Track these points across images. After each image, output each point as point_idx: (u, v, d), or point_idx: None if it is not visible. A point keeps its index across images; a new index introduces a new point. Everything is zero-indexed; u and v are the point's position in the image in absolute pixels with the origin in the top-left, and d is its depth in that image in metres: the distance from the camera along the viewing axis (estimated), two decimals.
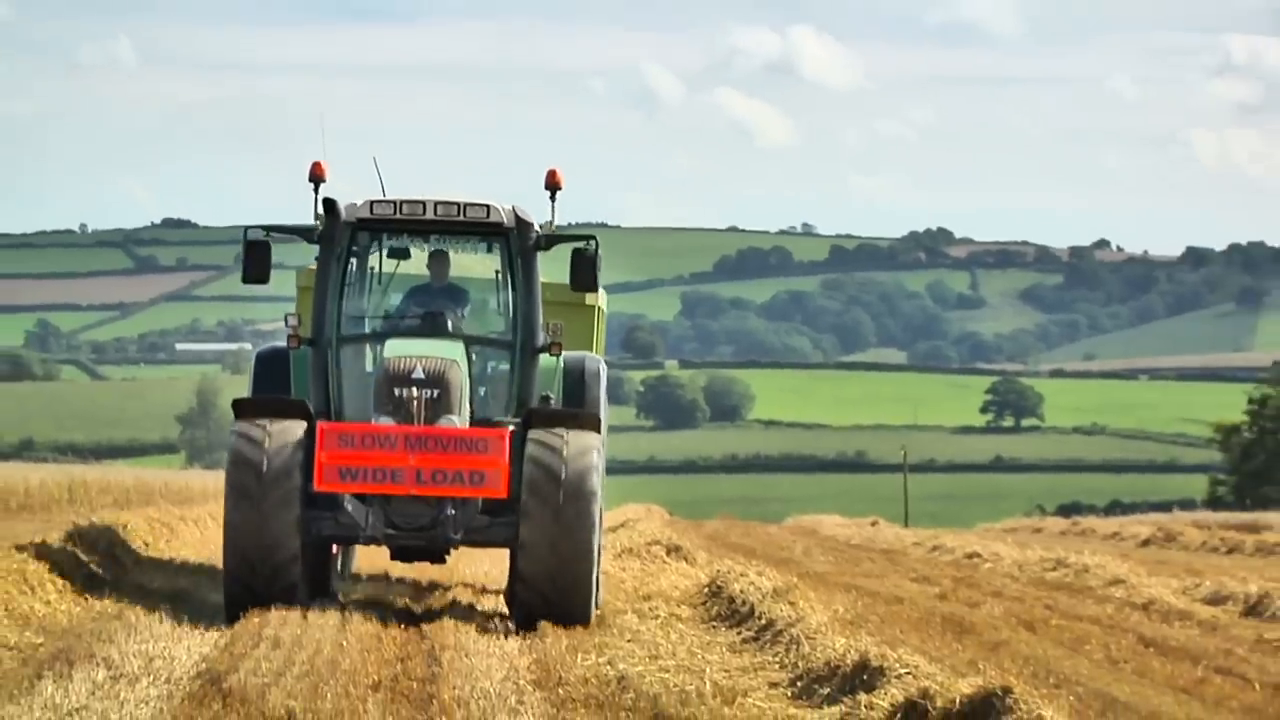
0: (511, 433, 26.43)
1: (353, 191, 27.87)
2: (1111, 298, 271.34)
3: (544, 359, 27.78)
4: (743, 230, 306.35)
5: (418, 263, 28.77)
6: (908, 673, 19.45)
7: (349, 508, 26.27)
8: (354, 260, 27.89)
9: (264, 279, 27.00)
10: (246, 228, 26.93)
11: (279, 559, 25.89)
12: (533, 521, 25.97)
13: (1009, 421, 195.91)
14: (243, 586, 25.87)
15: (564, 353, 27.90)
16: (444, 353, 26.82)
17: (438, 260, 28.33)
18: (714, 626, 27.11)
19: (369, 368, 27.46)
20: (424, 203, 27.26)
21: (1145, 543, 57.92)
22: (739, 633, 26.23)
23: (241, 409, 26.67)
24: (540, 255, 28.09)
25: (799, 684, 21.36)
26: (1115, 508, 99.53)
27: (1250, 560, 48.91)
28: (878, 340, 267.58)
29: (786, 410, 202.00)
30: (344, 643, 23.17)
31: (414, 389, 26.44)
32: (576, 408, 28.18)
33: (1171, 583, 35.12)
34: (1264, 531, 58.71)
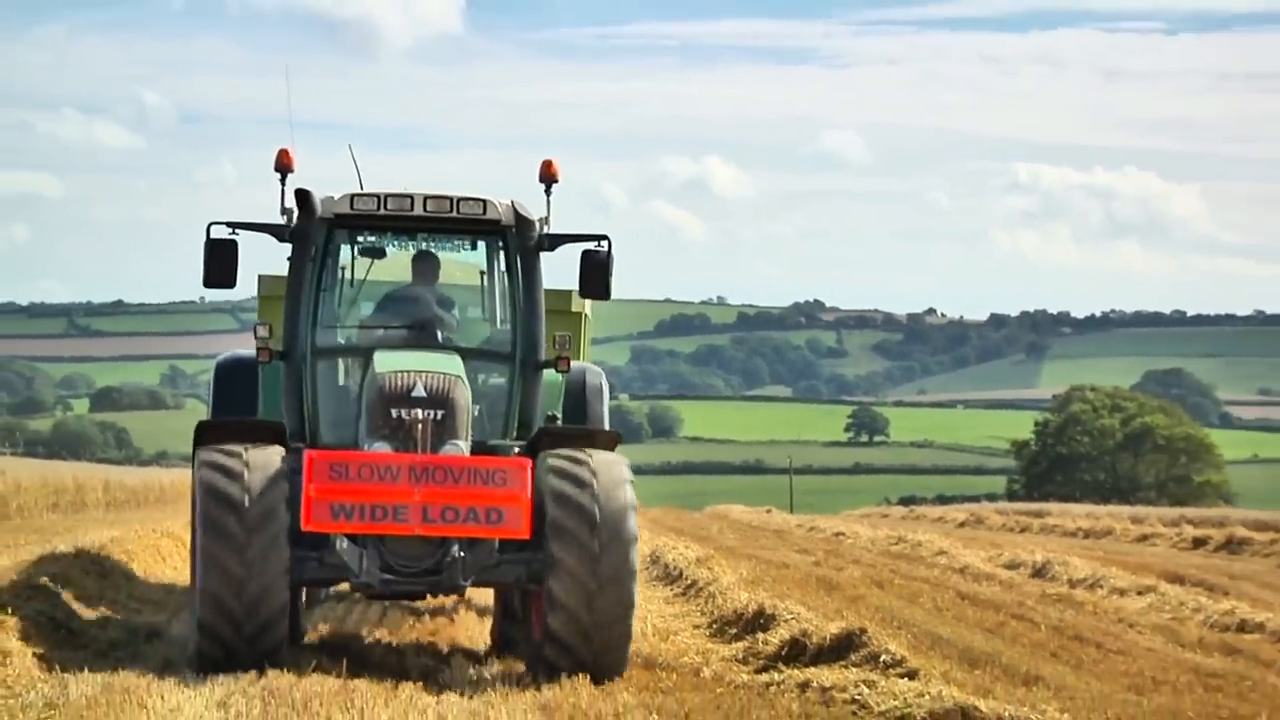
0: (533, 463, 16.03)
1: (323, 186, 17.32)
2: (937, 350, 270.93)
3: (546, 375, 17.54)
4: (674, 301, 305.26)
5: (390, 267, 18.28)
6: (792, 618, 19.40)
7: (340, 548, 15.95)
8: (329, 261, 17.51)
9: (229, 282, 17.03)
10: (210, 224, 16.71)
11: (266, 613, 15.46)
12: (563, 573, 15.72)
13: (865, 438, 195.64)
14: (220, 644, 15.46)
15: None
16: (445, 368, 16.59)
17: (423, 262, 17.73)
18: (653, 584, 26.84)
19: (349, 384, 17.25)
20: (411, 197, 17.11)
21: (961, 524, 57.90)
22: (671, 589, 26.06)
23: (207, 433, 16.22)
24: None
25: (714, 626, 21.27)
26: (940, 500, 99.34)
27: (1036, 537, 48.97)
28: (771, 380, 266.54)
29: (707, 430, 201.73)
30: None
31: (415, 410, 16.26)
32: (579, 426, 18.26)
33: (980, 553, 35.12)
34: (1045, 516, 58.77)
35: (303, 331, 17.10)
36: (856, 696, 15.07)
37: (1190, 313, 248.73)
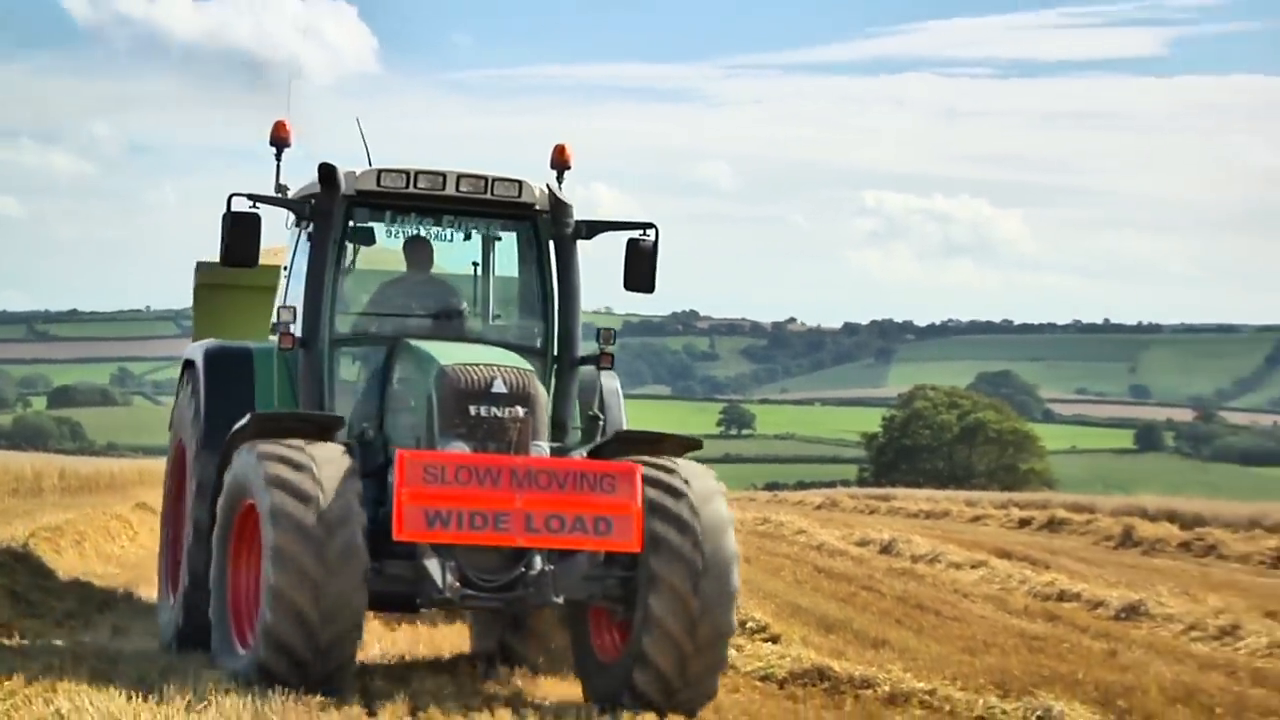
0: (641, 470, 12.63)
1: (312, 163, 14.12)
2: (797, 354, 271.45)
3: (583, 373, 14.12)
4: None
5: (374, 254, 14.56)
6: None
7: (428, 561, 12.33)
8: (347, 243, 14.05)
9: (252, 259, 13.65)
10: (231, 195, 13.39)
11: (343, 623, 12.10)
12: (665, 591, 12.50)
13: (734, 431, 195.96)
14: (288, 655, 11.97)
15: None
16: (515, 362, 13.17)
17: (418, 248, 14.27)
18: None
19: (371, 377, 13.71)
20: (444, 175, 13.76)
21: (818, 507, 58.09)
22: None
23: (263, 424, 12.83)
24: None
25: None
26: (800, 485, 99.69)
27: (883, 518, 49.18)
28: (652, 380, 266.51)
29: None
30: None
31: (494, 408, 12.75)
32: None
33: (835, 532, 35.21)
34: (891, 500, 59.00)
35: (324, 318, 13.58)
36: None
37: (1017, 322, 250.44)
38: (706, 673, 12.65)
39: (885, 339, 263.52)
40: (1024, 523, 45.28)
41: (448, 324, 13.99)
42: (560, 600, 12.52)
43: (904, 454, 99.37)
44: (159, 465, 52.74)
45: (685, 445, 13.32)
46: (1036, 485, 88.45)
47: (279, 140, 14.29)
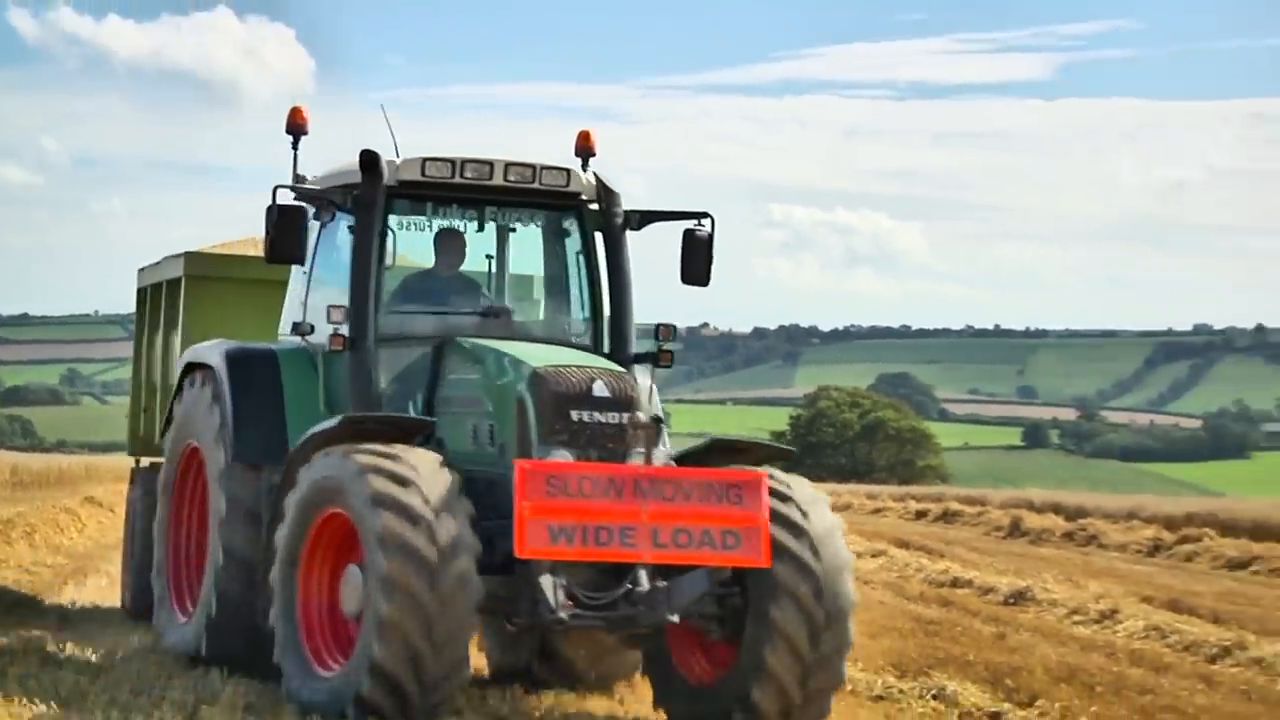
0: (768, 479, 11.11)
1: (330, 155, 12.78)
2: (711, 356, 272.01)
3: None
4: None
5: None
6: None
7: (543, 579, 10.60)
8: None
9: (299, 255, 11.87)
10: (276, 187, 11.71)
11: (453, 656, 10.41)
12: (788, 603, 11.00)
13: None
14: (395, 691, 10.30)
15: None
16: (606, 364, 11.57)
17: (451, 242, 12.46)
18: None
19: (414, 378, 11.89)
20: (491, 163, 12.02)
21: None
22: None
23: (360, 426, 11.08)
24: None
25: None
26: None
27: None
28: None
29: None
30: None
31: (596, 412, 11.03)
32: None
33: None
34: None
35: (370, 316, 11.75)
36: None
37: (914, 327, 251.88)
38: (827, 688, 11.19)
39: (792, 343, 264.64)
40: (920, 514, 45.53)
41: (495, 322, 12.18)
42: (676, 619, 10.75)
43: (809, 450, 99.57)
44: (106, 461, 52.02)
45: (774, 454, 11.87)
46: (932, 480, 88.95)
47: (296, 128, 12.30)
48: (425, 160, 11.94)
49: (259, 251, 13.95)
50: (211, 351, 12.81)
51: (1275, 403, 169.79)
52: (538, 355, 11.31)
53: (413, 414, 11.57)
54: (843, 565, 11.14)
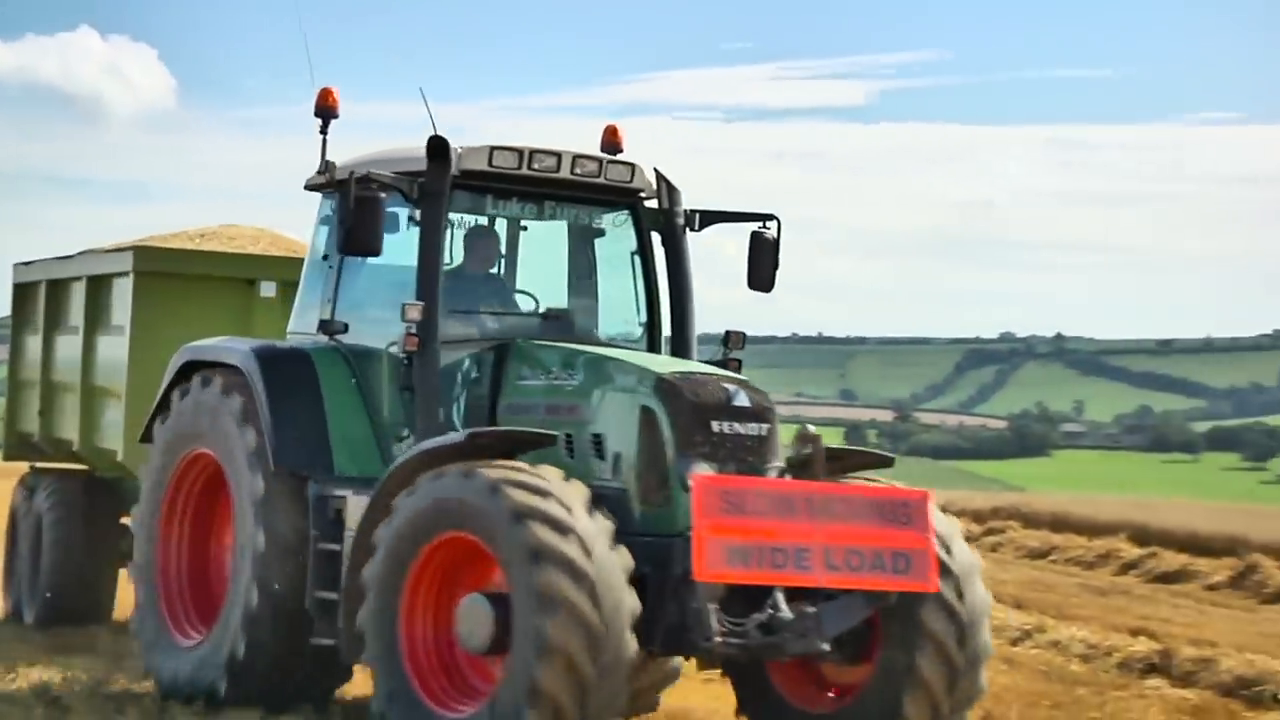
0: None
1: (352, 142, 11.80)
2: None
3: None
4: None
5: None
6: None
7: (698, 604, 8.97)
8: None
9: (377, 247, 9.90)
10: (355, 177, 9.85)
11: (615, 682, 8.70)
12: (929, 647, 9.58)
13: None
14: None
15: None
16: (725, 372, 10.11)
17: (485, 240, 10.85)
18: None
19: (472, 384, 10.25)
20: (559, 155, 10.41)
21: None
22: None
23: (483, 442, 9.31)
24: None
25: None
26: None
27: None
28: None
29: None
30: None
31: (740, 423, 9.53)
32: None
33: None
34: None
35: (436, 315, 10.01)
36: None
37: (749, 334, 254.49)
38: (973, 695, 9.86)
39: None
40: None
41: (556, 324, 10.60)
42: (826, 647, 9.26)
43: None
44: None
45: (874, 461, 10.44)
46: None
47: (326, 110, 10.50)
48: (493, 149, 10.23)
49: (192, 247, 13.52)
50: (230, 349, 10.72)
51: (1072, 405, 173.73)
52: (654, 362, 9.85)
53: (458, 421, 10.02)
54: (985, 611, 9.77)
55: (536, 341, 10.22)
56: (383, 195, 9.72)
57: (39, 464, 14.93)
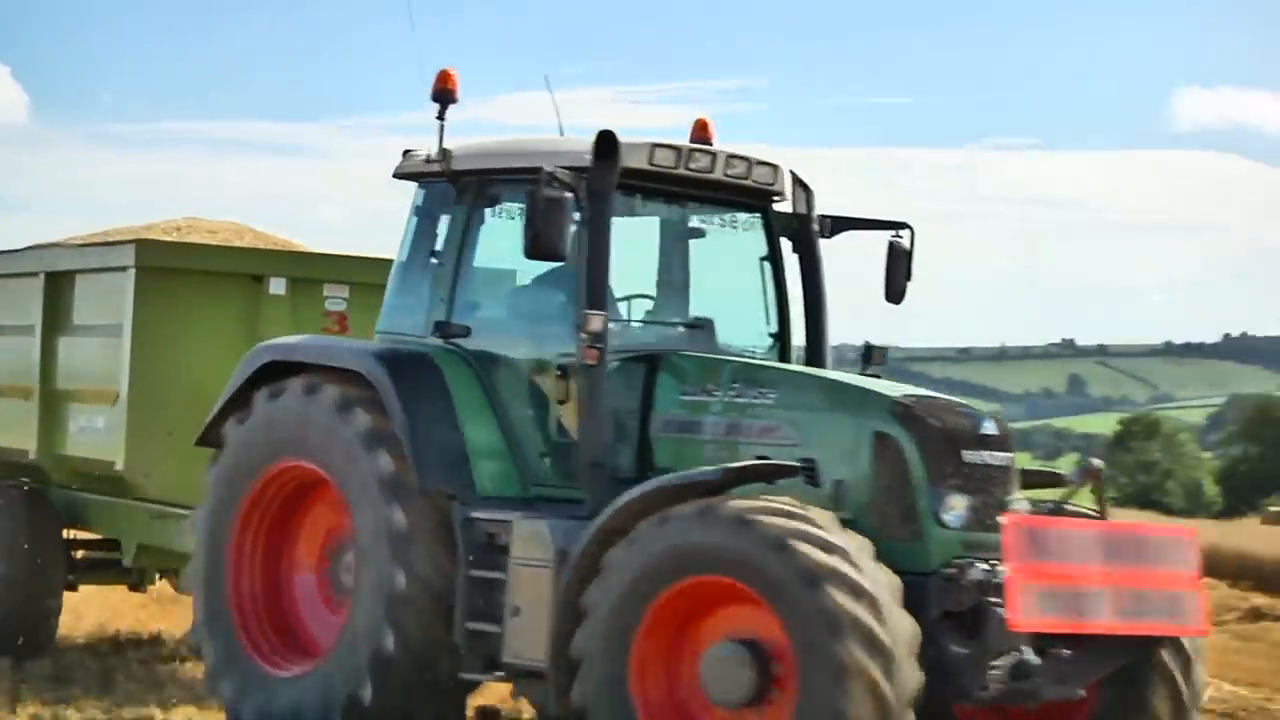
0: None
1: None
2: None
3: None
4: None
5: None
6: None
7: (956, 648, 7.52)
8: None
9: (563, 251, 7.99)
10: (545, 172, 7.95)
11: None
12: (1162, 689, 8.19)
13: None
14: None
15: None
16: (947, 396, 8.32)
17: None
18: None
19: (618, 399, 8.37)
20: (715, 154, 8.78)
21: None
22: None
23: (727, 478, 7.65)
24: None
25: None
26: None
27: None
28: None
29: None
30: None
31: (989, 452, 7.92)
32: None
33: None
34: None
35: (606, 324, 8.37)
36: None
37: None
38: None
39: None
40: None
41: (699, 334, 9.13)
42: (1082, 694, 8.14)
43: None
44: None
45: (1045, 480, 8.82)
46: None
47: (444, 94, 8.79)
48: (654, 146, 8.68)
49: (171, 238, 11.82)
50: (340, 351, 9.01)
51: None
52: (871, 382, 8.55)
53: (620, 442, 8.48)
54: (1201, 648, 8.48)
55: (696, 354, 8.75)
56: (570, 195, 8.13)
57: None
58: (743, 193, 9.10)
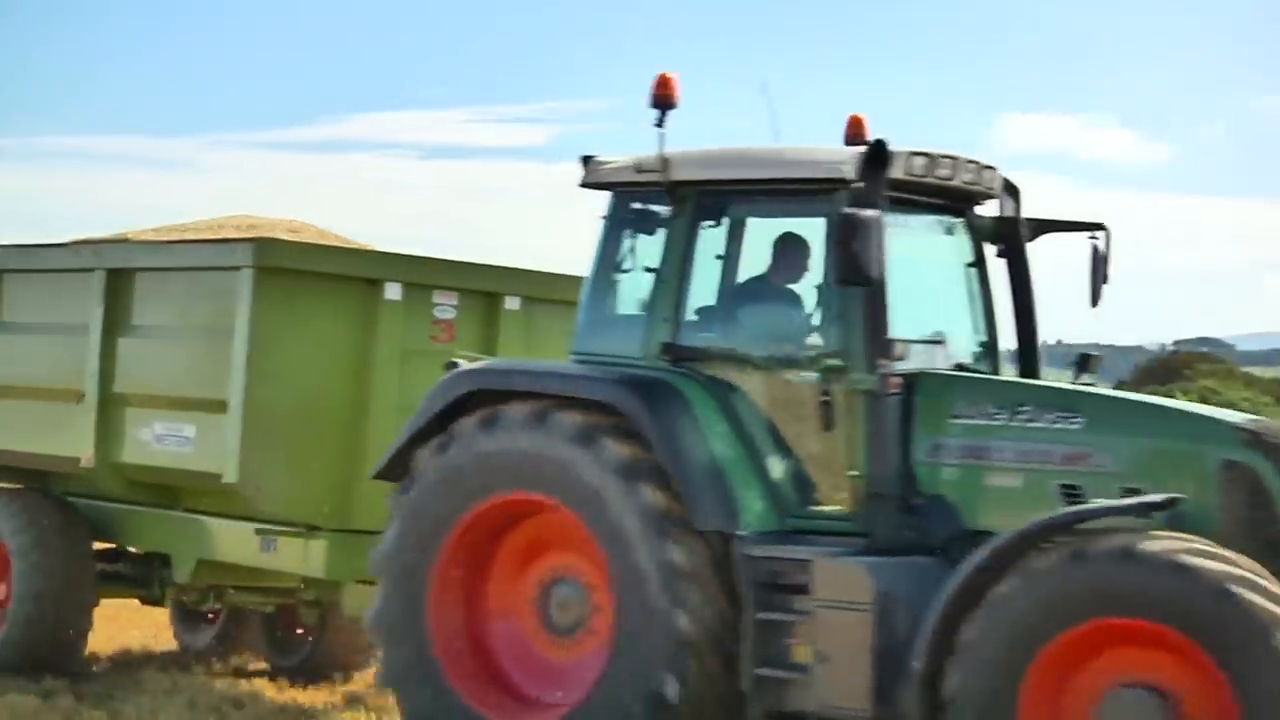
0: None
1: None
2: None
3: None
4: None
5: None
6: None
7: None
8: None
9: (879, 276, 7.38)
10: (848, 190, 7.59)
11: None
12: None
13: None
14: None
15: None
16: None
17: (799, 249, 8.08)
18: None
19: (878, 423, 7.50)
20: (955, 160, 8.00)
21: None
22: None
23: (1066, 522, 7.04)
24: None
25: None
26: None
27: None
28: None
29: None
30: None
31: None
32: None
33: None
34: None
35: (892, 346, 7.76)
36: None
37: None
38: None
39: None
40: None
41: (940, 349, 8.45)
42: None
43: None
44: None
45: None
46: None
47: (664, 100, 8.05)
48: (910, 154, 7.99)
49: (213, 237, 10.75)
50: (575, 378, 8.11)
51: None
52: (1199, 407, 8.03)
53: (882, 469, 7.73)
54: None
55: (960, 373, 8.14)
56: (879, 213, 7.50)
57: None
58: (956, 196, 8.37)
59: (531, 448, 7.91)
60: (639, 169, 8.14)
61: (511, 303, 10.33)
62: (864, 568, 7.32)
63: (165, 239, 10.98)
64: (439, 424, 8.20)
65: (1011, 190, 8.59)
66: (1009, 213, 8.57)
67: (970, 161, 8.21)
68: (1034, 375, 8.56)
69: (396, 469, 8.35)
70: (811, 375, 7.75)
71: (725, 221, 8.20)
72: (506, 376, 8.24)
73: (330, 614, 11.10)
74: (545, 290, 10.39)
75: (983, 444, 7.71)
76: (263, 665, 11.76)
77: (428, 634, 8.17)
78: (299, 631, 11.57)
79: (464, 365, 8.42)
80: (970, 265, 8.57)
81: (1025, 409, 7.67)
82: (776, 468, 7.87)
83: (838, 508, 7.74)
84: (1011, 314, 8.60)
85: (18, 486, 11.39)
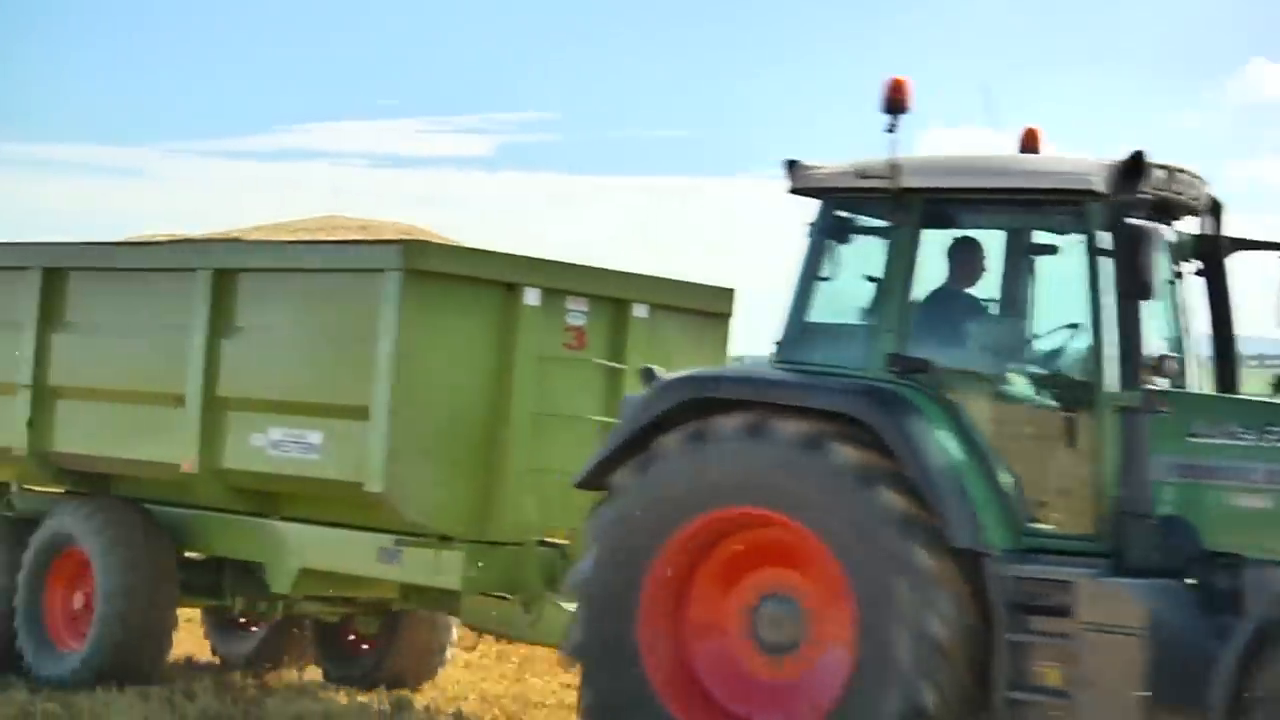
0: None
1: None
2: None
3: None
4: None
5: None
6: None
7: None
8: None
9: (1157, 289, 7.39)
10: (1133, 201, 7.36)
11: None
12: None
13: None
14: None
15: None
16: None
17: (972, 254, 7.92)
18: None
19: (1117, 444, 7.23)
20: (1191, 175, 7.79)
21: None
22: None
23: None
24: None
25: None
26: None
27: None
28: None
29: None
30: None
31: None
32: None
33: None
34: None
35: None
36: None
37: None
38: None
39: None
40: None
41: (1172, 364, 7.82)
42: None
43: None
44: None
45: None
46: None
47: (896, 104, 7.74)
48: (1153, 168, 7.72)
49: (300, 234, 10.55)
50: (811, 388, 7.74)
51: None
52: None
53: (1134, 492, 7.46)
54: None
55: (1192, 392, 7.92)
56: (1160, 227, 7.35)
57: (68, 488, 11.14)
58: (1170, 209, 7.98)
59: (753, 458, 7.59)
60: (862, 174, 7.82)
61: (640, 310, 10.07)
62: (1131, 590, 7.05)
63: (271, 239, 10.53)
64: (643, 438, 7.84)
65: (1215, 207, 8.27)
66: (1209, 230, 8.25)
67: (1197, 176, 7.95)
68: (1234, 393, 8.27)
69: (596, 482, 8.04)
70: (1046, 391, 7.52)
71: (951, 231, 7.94)
72: (735, 385, 7.83)
73: (401, 623, 10.80)
74: (672, 298, 10.21)
75: (1225, 465, 7.44)
76: (316, 675, 11.22)
77: (640, 661, 7.81)
78: (351, 639, 11.17)
79: (663, 375, 8.03)
80: (1169, 281, 8.15)
81: (1276, 430, 7.38)
82: (1007, 484, 7.56)
83: (1055, 527, 7.50)
84: (1210, 331, 8.29)
85: (85, 491, 10.85)
